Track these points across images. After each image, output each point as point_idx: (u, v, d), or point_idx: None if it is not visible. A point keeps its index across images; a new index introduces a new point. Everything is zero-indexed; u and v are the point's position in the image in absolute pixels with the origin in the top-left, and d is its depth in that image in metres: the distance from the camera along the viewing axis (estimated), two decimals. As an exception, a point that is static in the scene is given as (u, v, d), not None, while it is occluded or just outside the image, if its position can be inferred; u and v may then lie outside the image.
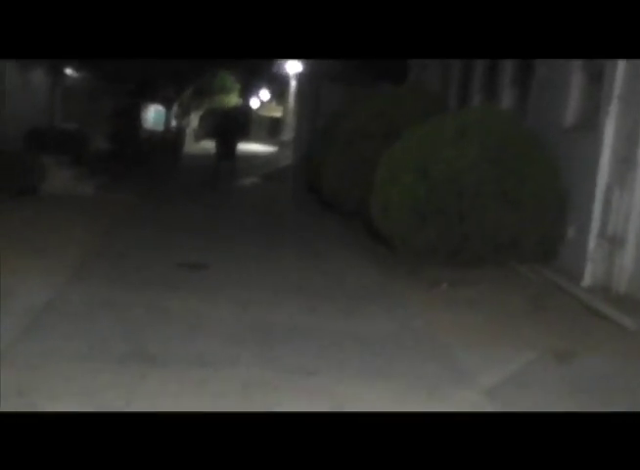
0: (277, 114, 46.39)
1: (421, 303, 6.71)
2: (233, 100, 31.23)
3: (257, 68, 29.87)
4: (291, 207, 14.55)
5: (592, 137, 7.48)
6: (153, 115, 36.69)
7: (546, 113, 8.88)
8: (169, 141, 23.73)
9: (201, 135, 37.37)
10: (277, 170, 22.52)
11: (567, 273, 7.58)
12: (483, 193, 7.66)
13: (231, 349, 4.97)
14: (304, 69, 25.93)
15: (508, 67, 10.67)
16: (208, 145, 23.67)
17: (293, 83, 31.50)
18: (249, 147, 31.11)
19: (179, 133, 27.19)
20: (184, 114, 30.11)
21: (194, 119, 34.68)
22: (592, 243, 7.34)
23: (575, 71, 8.28)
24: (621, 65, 7.16)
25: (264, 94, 47.82)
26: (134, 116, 24.39)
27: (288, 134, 33.20)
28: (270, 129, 49.45)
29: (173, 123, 27.32)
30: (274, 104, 48.21)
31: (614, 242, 7.11)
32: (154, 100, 28.48)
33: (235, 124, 18.98)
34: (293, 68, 29.06)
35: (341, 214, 11.36)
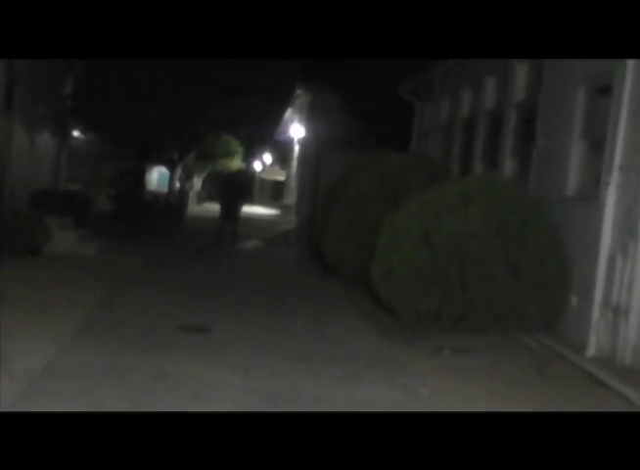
0: (280, 177, 46.86)
1: (424, 370, 6.67)
2: (236, 163, 31.55)
3: (261, 132, 30.26)
4: (293, 270, 14.53)
5: (594, 207, 7.51)
6: (157, 176, 37.06)
7: (547, 182, 8.93)
8: (173, 203, 23.89)
9: (203, 197, 37.64)
10: (280, 234, 22.59)
11: (570, 343, 7.51)
12: (486, 260, 7.67)
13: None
14: (307, 133, 26.28)
15: (508, 135, 10.80)
16: (211, 207, 23.77)
17: (296, 148, 31.91)
18: (252, 210, 31.29)
19: (183, 195, 27.39)
20: (188, 176, 30.37)
21: (197, 182, 34.99)
22: (596, 313, 7.28)
23: (576, 141, 8.36)
24: (622, 134, 7.24)
25: (267, 158, 48.40)
26: (138, 177, 24.61)
27: (291, 198, 33.46)
28: (273, 193, 49.90)
29: (177, 185, 27.53)
30: (277, 168, 48.76)
31: (617, 312, 7.07)
32: (158, 162, 28.77)
33: (239, 188, 19.14)
34: (296, 132, 29.47)
35: (343, 279, 11.34)
